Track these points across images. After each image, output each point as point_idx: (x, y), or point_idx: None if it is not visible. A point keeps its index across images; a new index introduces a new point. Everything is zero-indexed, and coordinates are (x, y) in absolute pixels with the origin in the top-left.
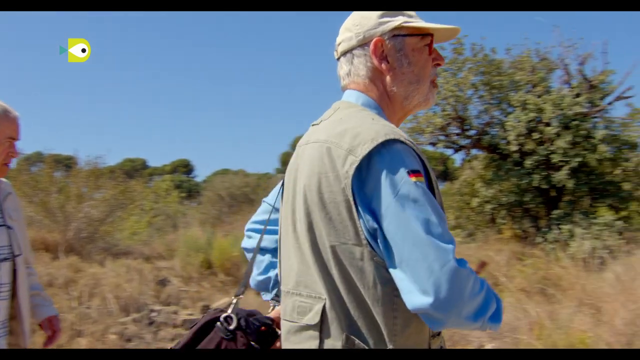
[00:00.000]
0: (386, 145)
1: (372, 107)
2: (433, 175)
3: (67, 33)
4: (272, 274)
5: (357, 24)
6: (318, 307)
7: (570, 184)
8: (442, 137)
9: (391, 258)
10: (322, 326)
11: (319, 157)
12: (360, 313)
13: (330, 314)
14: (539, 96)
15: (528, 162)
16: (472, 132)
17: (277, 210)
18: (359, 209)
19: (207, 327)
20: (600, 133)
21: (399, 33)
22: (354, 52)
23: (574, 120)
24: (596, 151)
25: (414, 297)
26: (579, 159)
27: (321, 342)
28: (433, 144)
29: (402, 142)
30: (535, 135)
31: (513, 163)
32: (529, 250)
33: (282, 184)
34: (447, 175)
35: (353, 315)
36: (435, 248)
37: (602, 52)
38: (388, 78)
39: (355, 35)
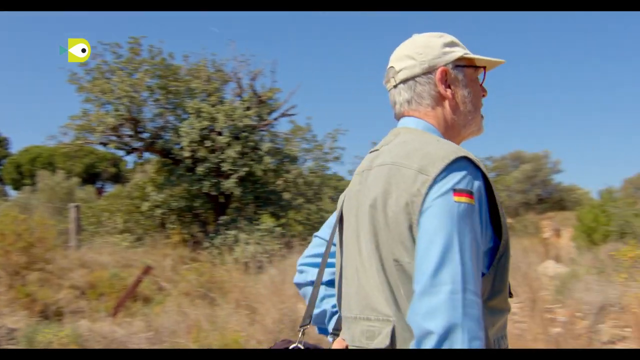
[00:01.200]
0: (457, 162)
1: (433, 131)
2: (498, 198)
3: (67, 33)
4: (327, 306)
5: (420, 52)
6: (387, 330)
7: (237, 191)
8: (113, 138)
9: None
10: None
11: (385, 178)
12: None
13: (399, 336)
14: (213, 106)
15: (200, 169)
16: (145, 135)
17: (328, 243)
18: (416, 229)
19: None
20: (266, 145)
21: (460, 64)
22: (418, 79)
23: (243, 131)
24: (262, 162)
25: None
26: (247, 169)
27: None
28: (104, 144)
29: (470, 160)
30: (208, 143)
31: (185, 169)
32: (196, 255)
33: (341, 216)
34: (118, 177)
35: None
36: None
37: (271, 71)
38: (450, 106)
39: (420, 63)
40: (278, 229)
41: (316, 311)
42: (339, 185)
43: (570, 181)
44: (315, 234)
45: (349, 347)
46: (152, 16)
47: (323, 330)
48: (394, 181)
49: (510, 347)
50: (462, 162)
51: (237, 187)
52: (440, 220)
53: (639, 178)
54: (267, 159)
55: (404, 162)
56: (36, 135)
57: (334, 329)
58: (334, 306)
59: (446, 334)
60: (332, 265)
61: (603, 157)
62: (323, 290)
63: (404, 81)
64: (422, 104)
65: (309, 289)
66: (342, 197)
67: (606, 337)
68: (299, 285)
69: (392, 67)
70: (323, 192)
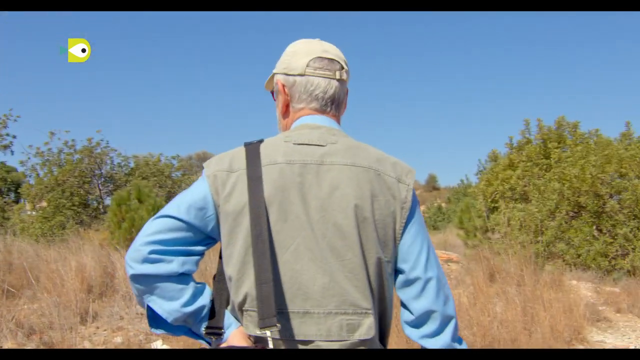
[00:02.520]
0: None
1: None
2: None
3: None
4: (204, 301)
5: (345, 61)
6: (369, 322)
7: None
8: None
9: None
10: (373, 338)
11: (367, 180)
12: (388, 322)
13: (376, 326)
14: None
15: None
16: None
17: (190, 226)
18: (403, 231)
19: None
20: None
21: None
22: (346, 85)
23: None
24: None
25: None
26: None
27: None
28: None
29: None
30: None
31: None
32: None
33: (264, 206)
34: None
35: (387, 324)
36: None
37: None
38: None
39: (347, 71)
40: None
41: (190, 309)
42: (8, 177)
43: None
44: (168, 214)
45: (320, 342)
46: None
47: (180, 331)
48: (377, 186)
49: None
50: None
51: None
52: (420, 225)
53: None
54: None
55: (380, 169)
56: None
57: (214, 328)
58: (210, 302)
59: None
60: (193, 253)
61: None
62: (193, 283)
63: (343, 83)
64: (341, 106)
65: (170, 285)
66: (250, 185)
67: None
68: (153, 277)
69: (338, 62)
70: None
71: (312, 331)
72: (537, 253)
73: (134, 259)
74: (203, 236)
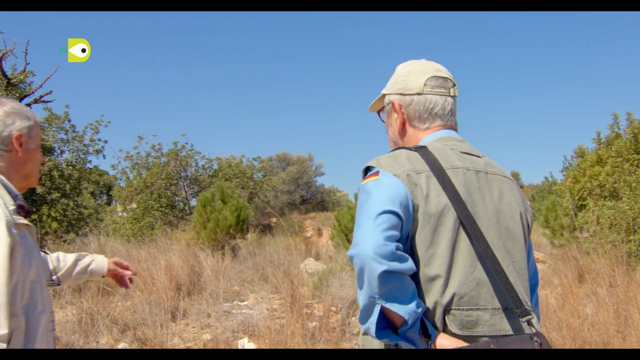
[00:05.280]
0: None
1: None
2: None
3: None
4: (422, 302)
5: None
6: (535, 317)
7: None
8: None
9: None
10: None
11: (518, 191)
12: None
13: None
14: None
15: None
16: None
17: (402, 223)
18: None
19: None
20: None
21: None
22: (456, 101)
23: None
24: None
25: None
26: None
27: None
28: None
29: None
30: None
31: None
32: None
33: (463, 204)
34: None
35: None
36: None
37: (24, 52)
38: None
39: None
40: None
41: (421, 310)
42: (100, 180)
43: (330, 183)
44: (389, 209)
45: (513, 337)
46: None
47: (398, 338)
48: (521, 196)
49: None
50: None
51: None
52: None
53: None
54: None
55: (513, 180)
56: None
57: (425, 330)
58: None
59: None
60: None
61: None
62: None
63: (455, 98)
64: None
65: (409, 284)
66: (445, 187)
67: (356, 329)
68: (398, 275)
69: (450, 79)
70: (82, 186)
71: (507, 326)
72: (629, 252)
73: (383, 254)
74: (400, 234)
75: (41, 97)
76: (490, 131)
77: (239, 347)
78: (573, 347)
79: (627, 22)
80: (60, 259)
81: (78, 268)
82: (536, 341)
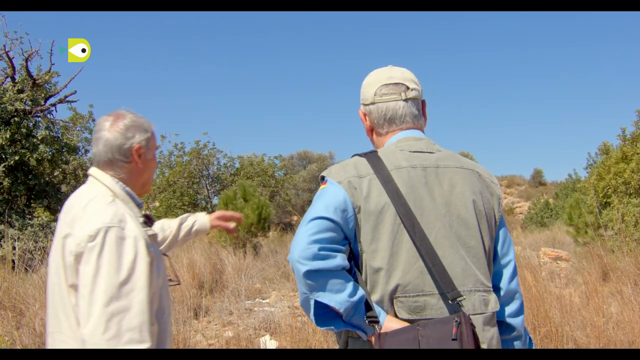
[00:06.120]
0: None
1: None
2: None
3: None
4: (362, 292)
5: (417, 82)
6: (494, 297)
7: (6, 182)
8: None
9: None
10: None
11: (476, 179)
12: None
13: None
14: None
15: None
16: None
17: (338, 225)
18: (499, 222)
19: None
20: (41, 133)
21: None
22: (420, 102)
23: (15, 116)
24: (36, 151)
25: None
26: (18, 157)
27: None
28: None
29: None
30: None
31: None
32: None
33: (405, 203)
34: None
35: None
36: None
37: (49, 52)
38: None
39: (420, 91)
40: (54, 224)
41: (355, 299)
42: None
43: None
44: (321, 215)
45: (470, 316)
46: None
47: (342, 325)
48: (481, 185)
49: None
50: None
51: (6, 178)
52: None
53: None
54: (43, 148)
55: (478, 171)
56: None
57: (373, 317)
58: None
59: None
60: (343, 250)
61: None
62: (350, 277)
63: (414, 99)
64: (420, 121)
65: (337, 279)
66: (386, 186)
67: None
68: (323, 272)
69: (402, 84)
70: None
71: (446, 310)
72: None
73: (306, 256)
74: (343, 235)
75: (66, 97)
76: (514, 129)
77: (261, 344)
78: (598, 347)
79: None
80: (165, 227)
81: (183, 232)
82: (455, 320)
